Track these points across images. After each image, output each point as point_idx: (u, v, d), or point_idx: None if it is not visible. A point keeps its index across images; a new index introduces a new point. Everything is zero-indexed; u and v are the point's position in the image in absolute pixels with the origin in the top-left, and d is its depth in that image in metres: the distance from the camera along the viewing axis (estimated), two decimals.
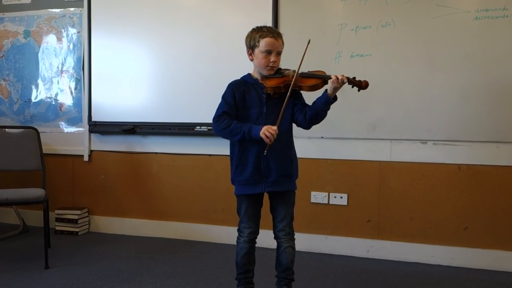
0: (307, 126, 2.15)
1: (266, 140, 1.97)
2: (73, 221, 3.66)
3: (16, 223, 3.80)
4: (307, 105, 2.16)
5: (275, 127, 1.98)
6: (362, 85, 2.05)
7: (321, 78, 2.06)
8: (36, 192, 3.00)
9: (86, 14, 3.68)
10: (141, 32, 3.55)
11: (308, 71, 2.12)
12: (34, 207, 3.54)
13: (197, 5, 3.43)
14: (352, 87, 2.07)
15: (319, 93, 2.10)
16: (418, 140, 3.01)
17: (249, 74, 2.21)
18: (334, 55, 3.12)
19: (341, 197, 3.19)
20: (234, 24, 3.33)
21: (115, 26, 3.61)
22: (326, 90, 2.05)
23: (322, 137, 3.19)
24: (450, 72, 2.92)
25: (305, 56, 2.03)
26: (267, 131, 1.97)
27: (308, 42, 2.06)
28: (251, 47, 2.14)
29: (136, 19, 3.55)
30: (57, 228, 3.70)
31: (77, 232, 3.66)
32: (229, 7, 3.36)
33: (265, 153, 2.02)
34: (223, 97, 2.15)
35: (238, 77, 2.23)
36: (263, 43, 2.08)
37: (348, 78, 2.02)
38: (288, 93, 2.04)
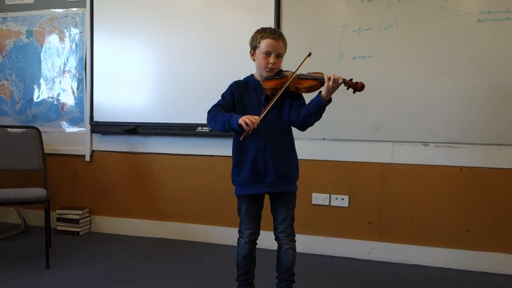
0: (300, 126, 2.13)
1: (246, 128, 1.92)
2: (74, 221, 3.67)
3: (17, 222, 3.80)
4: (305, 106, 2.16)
5: (257, 117, 1.95)
6: (357, 87, 2.02)
7: (318, 80, 2.06)
8: (38, 192, 3.01)
9: (88, 14, 3.68)
10: (143, 32, 3.55)
11: (308, 73, 2.12)
12: (36, 206, 3.56)
13: (200, 6, 3.43)
14: (348, 88, 2.05)
15: None
16: (419, 142, 3.01)
17: (252, 75, 2.22)
18: (336, 56, 3.12)
19: (342, 199, 3.19)
20: (236, 25, 3.33)
21: (117, 27, 3.62)
22: (320, 91, 2.04)
23: (323, 139, 3.19)
24: (452, 74, 2.92)
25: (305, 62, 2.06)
26: (248, 118, 1.92)
27: (308, 55, 2.09)
28: (253, 48, 2.16)
29: (138, 19, 3.56)
30: (58, 228, 3.70)
31: (78, 232, 3.66)
32: (231, 8, 3.36)
33: (240, 139, 1.98)
34: (222, 94, 2.18)
35: (240, 78, 2.24)
36: (264, 44, 2.09)
37: (344, 80, 2.01)
38: (279, 91, 2.04)
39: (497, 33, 2.82)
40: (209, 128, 3.34)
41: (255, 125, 1.93)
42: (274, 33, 2.11)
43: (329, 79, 1.98)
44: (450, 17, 2.90)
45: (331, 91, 2.00)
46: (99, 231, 3.77)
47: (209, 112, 2.11)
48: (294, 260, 2.20)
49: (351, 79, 2.03)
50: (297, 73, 2.09)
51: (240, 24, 3.31)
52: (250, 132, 1.94)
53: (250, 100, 2.14)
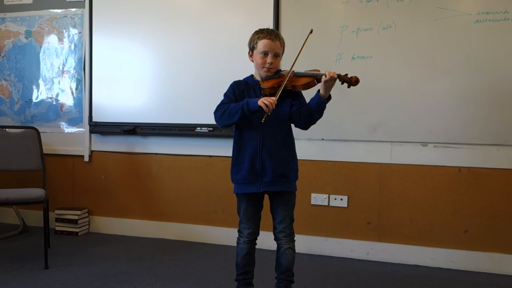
0: (303, 126, 2.15)
1: (265, 108, 1.96)
2: (73, 222, 3.66)
3: (16, 223, 3.80)
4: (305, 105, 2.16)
5: (274, 98, 1.99)
6: (352, 82, 2.02)
7: (313, 76, 2.07)
8: (36, 192, 3.00)
9: (87, 14, 3.68)
10: (142, 33, 3.55)
11: (305, 71, 2.13)
12: (34, 207, 3.55)
13: (198, 7, 3.43)
14: (342, 83, 2.05)
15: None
16: (418, 142, 3.01)
17: (251, 76, 2.24)
18: (334, 57, 3.12)
19: (341, 199, 3.19)
20: (235, 26, 3.33)
21: (116, 27, 3.62)
22: (318, 90, 2.06)
23: (322, 139, 3.19)
24: (451, 74, 2.92)
25: (304, 49, 2.07)
26: (266, 100, 1.96)
27: (310, 32, 2.10)
28: (251, 49, 2.19)
29: (137, 20, 3.56)
30: (57, 228, 3.69)
31: (77, 233, 3.66)
32: (230, 9, 3.36)
33: (263, 121, 1.99)
34: (225, 93, 2.20)
35: (239, 78, 2.25)
36: (261, 45, 2.11)
37: (339, 75, 2.02)
38: (280, 89, 2.05)
39: (495, 33, 2.83)
40: (208, 129, 3.35)
41: (274, 106, 1.96)
42: (271, 34, 2.13)
43: (324, 75, 1.99)
44: (448, 18, 2.91)
45: (327, 88, 2.02)
46: (98, 232, 3.77)
47: (217, 110, 2.13)
48: (293, 260, 2.20)
49: (346, 74, 2.04)
50: (295, 67, 2.10)
51: (239, 24, 3.31)
52: (270, 114, 1.97)
53: None
